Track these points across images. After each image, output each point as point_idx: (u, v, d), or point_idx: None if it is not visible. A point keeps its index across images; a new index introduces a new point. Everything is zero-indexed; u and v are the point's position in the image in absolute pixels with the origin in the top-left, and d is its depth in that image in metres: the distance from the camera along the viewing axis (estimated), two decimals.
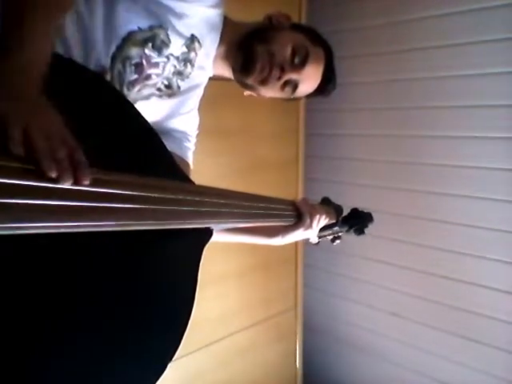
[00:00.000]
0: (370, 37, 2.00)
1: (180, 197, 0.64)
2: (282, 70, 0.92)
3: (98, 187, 0.51)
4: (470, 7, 1.69)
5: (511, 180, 1.66)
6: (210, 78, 1.02)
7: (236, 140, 1.94)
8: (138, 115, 0.74)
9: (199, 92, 1.00)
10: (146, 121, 0.75)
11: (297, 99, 1.06)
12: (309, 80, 0.97)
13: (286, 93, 0.98)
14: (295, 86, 0.96)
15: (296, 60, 0.92)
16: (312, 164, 2.28)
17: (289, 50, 0.92)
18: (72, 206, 0.48)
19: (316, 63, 0.96)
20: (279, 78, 0.93)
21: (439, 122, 1.83)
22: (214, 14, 0.90)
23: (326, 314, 2.35)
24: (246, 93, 1.05)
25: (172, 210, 0.62)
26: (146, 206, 0.57)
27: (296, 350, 2.42)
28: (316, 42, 0.97)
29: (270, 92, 0.98)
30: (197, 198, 0.67)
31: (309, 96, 1.03)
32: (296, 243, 2.28)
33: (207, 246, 0.75)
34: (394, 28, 1.91)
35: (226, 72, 1.00)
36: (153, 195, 0.58)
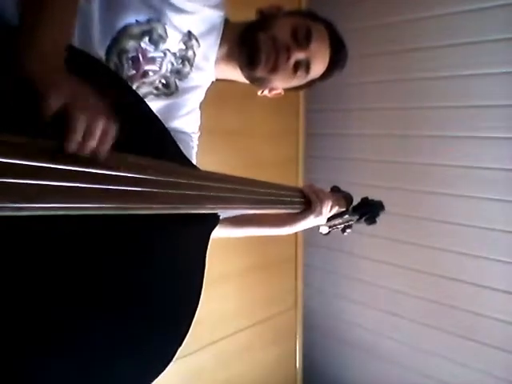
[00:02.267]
0: (369, 37, 2.00)
1: (188, 181, 0.63)
2: (288, 50, 0.89)
3: (106, 170, 0.50)
4: (470, 7, 1.69)
5: (511, 180, 1.66)
6: (213, 82, 1.01)
7: (236, 140, 1.94)
8: (141, 102, 0.73)
9: (200, 93, 0.98)
10: (149, 107, 0.75)
11: (313, 83, 1.01)
12: (318, 55, 0.93)
13: (300, 76, 0.94)
14: (307, 66, 0.93)
15: (299, 37, 0.90)
16: (312, 164, 2.28)
17: (289, 31, 0.90)
18: (80, 188, 0.48)
19: (320, 37, 0.93)
20: (288, 59, 0.90)
21: (438, 122, 1.83)
22: (214, 15, 0.90)
23: (326, 313, 2.35)
24: (260, 92, 1.03)
25: (180, 194, 0.61)
26: (154, 190, 0.56)
27: (296, 349, 2.42)
28: (314, 19, 0.95)
29: (283, 79, 0.94)
30: (203, 183, 0.66)
31: (324, 75, 0.98)
32: (296, 243, 2.28)
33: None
34: (393, 28, 1.91)
35: (231, 74, 0.98)
36: (161, 179, 0.58)
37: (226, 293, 2.02)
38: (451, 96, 1.78)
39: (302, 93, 2.22)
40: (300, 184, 2.25)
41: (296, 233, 1.94)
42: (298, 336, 2.41)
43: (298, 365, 2.43)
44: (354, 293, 2.21)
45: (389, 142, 2.00)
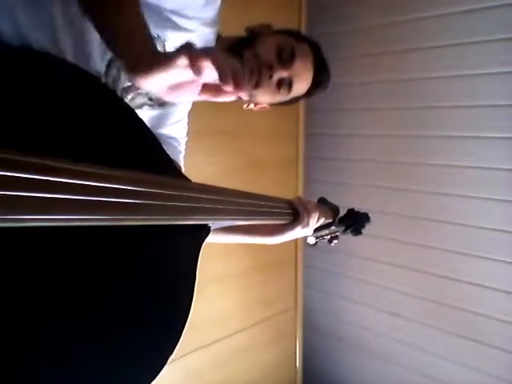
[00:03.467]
0: (369, 37, 2.00)
1: (176, 193, 0.64)
2: (271, 69, 0.92)
3: (94, 181, 0.51)
4: (470, 7, 1.69)
5: (511, 180, 1.66)
6: None
7: (235, 140, 1.94)
8: (133, 113, 0.74)
9: (188, 104, 1.01)
10: (140, 119, 0.76)
11: (298, 100, 1.06)
12: (301, 74, 0.97)
13: (283, 93, 0.98)
14: (290, 84, 0.96)
15: (283, 56, 0.93)
16: (312, 164, 2.28)
17: (274, 50, 0.93)
18: (67, 200, 0.48)
19: (304, 56, 0.96)
20: (270, 77, 0.93)
21: (439, 122, 1.83)
22: (209, 32, 0.91)
23: (326, 314, 2.36)
24: (245, 106, 1.06)
25: (169, 205, 0.62)
26: (143, 201, 0.57)
27: (296, 350, 2.42)
28: (300, 39, 0.98)
29: (267, 95, 0.98)
30: (193, 195, 0.67)
31: (308, 93, 1.02)
32: (296, 244, 2.28)
33: (205, 244, 0.76)
34: (393, 28, 1.91)
35: None
36: (150, 190, 0.58)
37: (226, 293, 2.02)
38: (451, 96, 1.78)
39: None
40: (299, 184, 2.26)
41: None
42: (297, 336, 2.41)
43: (297, 365, 2.44)
44: (354, 293, 2.21)
45: (389, 142, 2.00)
